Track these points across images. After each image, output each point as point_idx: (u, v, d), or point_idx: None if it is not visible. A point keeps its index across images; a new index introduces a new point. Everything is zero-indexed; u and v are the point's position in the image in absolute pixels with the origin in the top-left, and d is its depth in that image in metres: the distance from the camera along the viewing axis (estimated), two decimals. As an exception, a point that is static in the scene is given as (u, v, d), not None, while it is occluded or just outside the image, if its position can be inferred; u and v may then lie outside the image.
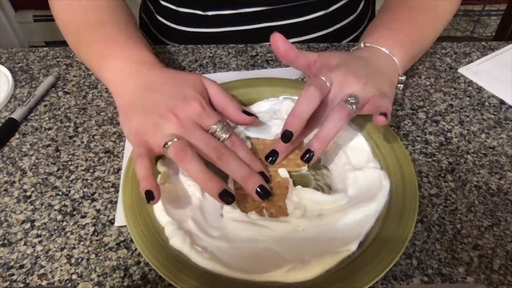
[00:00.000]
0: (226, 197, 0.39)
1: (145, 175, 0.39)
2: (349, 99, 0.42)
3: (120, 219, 0.43)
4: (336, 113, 0.41)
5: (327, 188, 0.44)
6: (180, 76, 0.45)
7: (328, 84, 0.44)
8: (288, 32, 0.69)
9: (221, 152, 0.41)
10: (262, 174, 0.42)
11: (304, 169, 0.46)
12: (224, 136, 0.42)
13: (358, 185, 0.43)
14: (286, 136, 0.41)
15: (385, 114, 0.41)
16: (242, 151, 0.43)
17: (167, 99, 0.42)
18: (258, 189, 0.40)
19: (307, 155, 0.41)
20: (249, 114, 0.45)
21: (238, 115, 0.45)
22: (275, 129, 0.48)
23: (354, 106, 0.42)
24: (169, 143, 0.40)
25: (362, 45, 0.50)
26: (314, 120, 0.44)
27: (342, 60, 0.46)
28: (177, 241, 0.38)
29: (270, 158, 0.44)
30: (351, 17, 0.72)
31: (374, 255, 0.37)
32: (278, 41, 0.46)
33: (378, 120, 0.41)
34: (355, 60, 0.47)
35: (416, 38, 0.52)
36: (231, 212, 0.40)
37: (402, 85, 0.50)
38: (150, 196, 0.38)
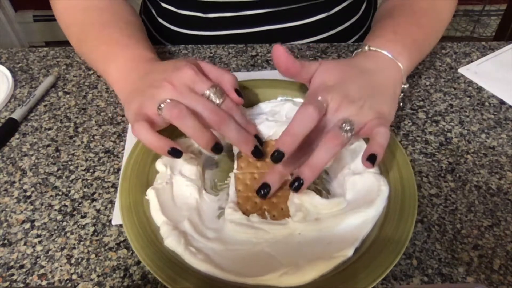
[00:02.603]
0: (217, 150, 0.41)
1: (154, 138, 0.39)
2: (343, 125, 0.40)
3: (117, 217, 0.43)
4: (329, 140, 0.39)
5: (325, 192, 0.44)
6: (175, 59, 0.47)
7: (324, 105, 0.42)
8: (290, 34, 0.69)
9: (220, 114, 0.41)
10: (256, 136, 0.45)
11: None
12: (218, 101, 0.43)
13: (356, 189, 0.42)
14: (276, 156, 0.39)
15: (373, 157, 0.39)
16: (238, 115, 0.44)
17: (161, 74, 0.43)
18: (254, 150, 0.43)
19: (296, 183, 0.39)
20: (240, 94, 0.45)
21: (230, 91, 0.45)
22: (267, 131, 0.48)
23: (349, 134, 0.40)
24: (162, 105, 0.40)
25: (366, 48, 0.48)
26: (306, 145, 0.43)
27: (340, 77, 0.44)
28: (172, 242, 0.38)
29: (262, 191, 0.42)
30: (354, 19, 0.71)
31: (370, 261, 0.36)
32: (280, 56, 0.44)
33: (365, 165, 0.40)
34: (356, 76, 0.45)
35: (422, 42, 0.51)
36: (232, 214, 0.40)
37: (403, 93, 0.49)
38: (176, 153, 0.39)
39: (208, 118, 0.41)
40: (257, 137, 0.45)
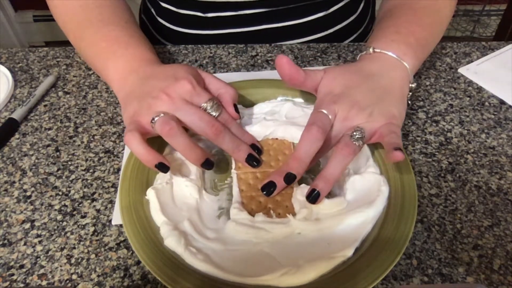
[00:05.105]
0: (207, 166, 0.42)
1: (143, 151, 0.40)
2: (354, 133, 0.41)
3: (117, 217, 0.43)
4: (340, 151, 0.40)
5: None
6: (176, 64, 0.47)
7: (330, 117, 0.42)
8: (289, 33, 0.69)
9: (215, 126, 0.42)
10: (253, 146, 0.45)
11: None
12: (215, 114, 0.43)
13: (356, 189, 0.42)
14: (288, 179, 0.41)
15: (399, 149, 0.39)
16: (234, 127, 0.45)
17: (160, 82, 0.44)
18: (247, 158, 0.43)
19: (312, 195, 0.40)
20: (237, 110, 0.46)
21: (228, 104, 0.45)
22: (264, 130, 0.48)
23: (360, 142, 0.41)
24: (156, 118, 0.41)
25: (371, 50, 0.48)
26: (316, 153, 0.42)
27: (346, 84, 0.45)
28: (171, 242, 0.38)
29: (267, 190, 0.41)
30: (352, 18, 0.72)
31: (370, 261, 0.36)
32: (283, 65, 0.44)
33: (395, 157, 0.39)
34: (362, 81, 0.45)
35: (425, 41, 0.51)
36: (238, 214, 0.40)
37: (410, 93, 0.48)
38: (163, 168, 0.40)
39: (203, 129, 0.42)
40: (255, 146, 0.45)
